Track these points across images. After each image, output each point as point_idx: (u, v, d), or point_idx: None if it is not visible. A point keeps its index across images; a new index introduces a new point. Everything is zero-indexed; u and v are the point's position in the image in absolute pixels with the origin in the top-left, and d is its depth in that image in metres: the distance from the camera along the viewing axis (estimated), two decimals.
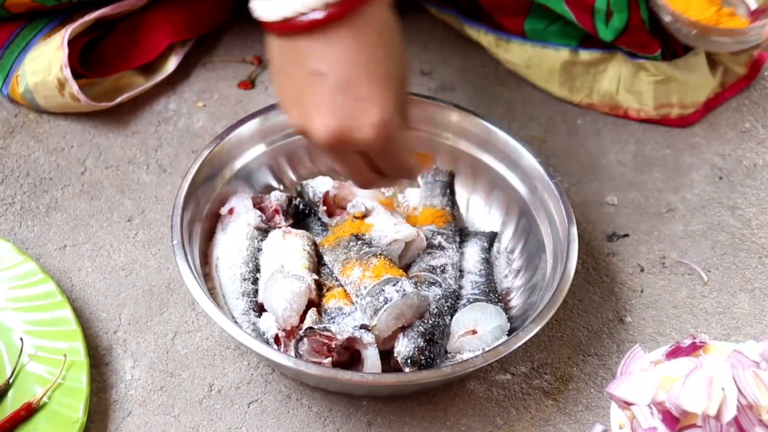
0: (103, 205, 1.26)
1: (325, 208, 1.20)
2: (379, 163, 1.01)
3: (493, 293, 1.16)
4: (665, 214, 1.29)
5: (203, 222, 1.17)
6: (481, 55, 1.44)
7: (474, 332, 1.12)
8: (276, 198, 1.20)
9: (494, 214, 1.25)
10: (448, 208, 1.22)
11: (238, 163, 1.22)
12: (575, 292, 1.21)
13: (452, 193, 1.24)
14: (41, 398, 1.06)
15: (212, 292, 1.13)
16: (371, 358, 1.07)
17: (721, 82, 1.40)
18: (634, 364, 1.05)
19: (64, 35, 1.28)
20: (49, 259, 1.21)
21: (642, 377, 1.03)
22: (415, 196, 1.26)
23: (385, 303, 1.07)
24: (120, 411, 1.09)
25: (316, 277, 1.13)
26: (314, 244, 1.17)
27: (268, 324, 1.11)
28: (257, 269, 1.16)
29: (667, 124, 1.38)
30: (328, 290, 1.14)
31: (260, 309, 1.13)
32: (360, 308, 1.10)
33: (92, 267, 1.20)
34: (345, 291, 1.12)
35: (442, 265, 1.16)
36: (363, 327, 1.07)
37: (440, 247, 1.18)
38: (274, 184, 1.25)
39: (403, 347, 1.08)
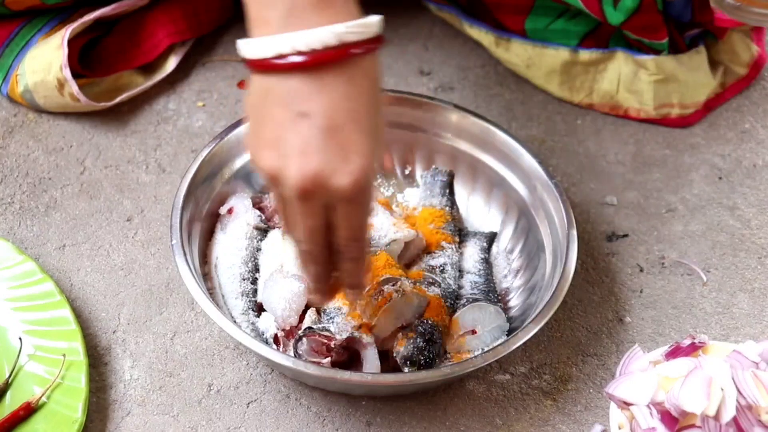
0: (103, 205, 1.26)
1: None
2: (342, 217, 0.95)
3: (492, 293, 1.16)
4: (665, 215, 1.29)
5: (202, 222, 1.17)
6: (481, 55, 1.44)
7: (473, 332, 1.12)
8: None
9: (493, 214, 1.25)
10: (447, 208, 1.22)
11: (238, 163, 1.22)
12: (574, 293, 1.21)
13: (451, 193, 1.24)
14: (40, 398, 1.06)
15: (211, 291, 1.13)
16: (370, 358, 1.07)
17: (722, 82, 1.40)
18: (634, 365, 1.05)
19: (63, 35, 1.28)
20: (48, 258, 1.21)
21: (641, 377, 1.03)
22: (415, 195, 1.26)
23: (385, 303, 1.07)
24: (119, 411, 1.09)
25: None
26: None
27: (267, 324, 1.11)
28: (256, 269, 1.16)
29: (667, 124, 1.38)
30: None
31: (259, 309, 1.13)
32: (359, 308, 1.10)
33: (91, 266, 1.20)
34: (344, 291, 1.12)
35: (441, 265, 1.16)
36: (362, 326, 1.08)
37: (440, 247, 1.18)
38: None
39: (403, 347, 1.08)
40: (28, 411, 1.05)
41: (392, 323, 1.09)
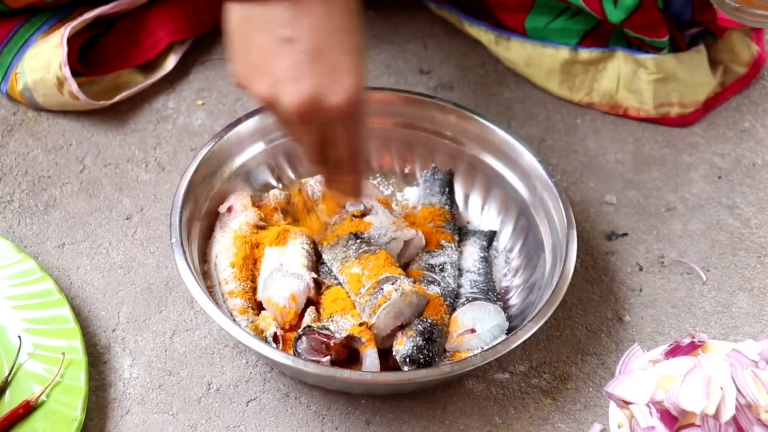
0: (102, 203, 1.26)
1: (324, 206, 1.20)
2: (341, 138, 1.00)
3: (491, 292, 1.16)
4: (664, 214, 1.29)
5: (202, 220, 1.17)
6: (481, 54, 1.44)
7: (473, 331, 1.12)
8: (275, 196, 1.20)
9: (493, 212, 1.25)
10: (446, 207, 1.22)
11: (237, 162, 1.22)
12: (574, 291, 1.21)
13: (451, 192, 1.24)
14: (39, 396, 1.06)
15: (211, 290, 1.13)
16: (370, 356, 1.07)
17: (721, 82, 1.40)
18: (633, 363, 1.05)
19: (63, 33, 1.28)
20: (48, 257, 1.21)
21: (641, 376, 1.03)
22: (414, 194, 1.26)
23: (384, 301, 1.07)
24: (118, 409, 1.09)
25: (314, 275, 1.13)
26: (313, 242, 1.17)
27: (267, 322, 1.11)
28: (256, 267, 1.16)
29: (667, 123, 1.38)
30: (326, 289, 1.14)
31: (259, 307, 1.13)
32: (359, 306, 1.10)
33: (91, 265, 1.20)
34: (344, 290, 1.12)
35: (440, 264, 1.16)
36: (362, 325, 1.08)
37: (439, 246, 1.18)
38: (273, 182, 1.25)
39: (402, 346, 1.08)
40: (28, 409, 1.05)
41: (392, 322, 1.09)
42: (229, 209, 1.19)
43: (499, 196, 1.24)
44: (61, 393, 1.06)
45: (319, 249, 1.17)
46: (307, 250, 1.15)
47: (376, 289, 1.08)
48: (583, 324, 1.19)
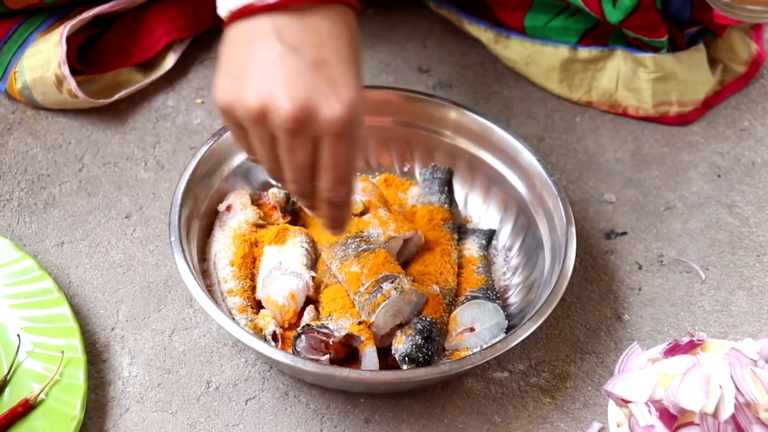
0: (101, 202, 1.26)
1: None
2: (330, 155, 0.95)
3: (491, 291, 1.16)
4: (663, 212, 1.29)
5: (201, 219, 1.17)
6: (480, 53, 1.44)
7: (472, 330, 1.12)
8: (274, 195, 1.20)
9: (492, 211, 1.25)
10: (446, 206, 1.22)
11: (237, 160, 1.22)
12: (573, 290, 1.21)
13: (450, 191, 1.24)
14: (38, 395, 1.06)
15: (210, 289, 1.13)
16: (369, 355, 1.07)
17: (720, 80, 1.40)
18: (632, 362, 1.05)
19: (62, 32, 1.28)
20: (47, 255, 1.21)
21: (640, 375, 1.03)
22: (414, 193, 1.26)
23: (383, 300, 1.07)
24: (117, 408, 1.09)
25: (314, 274, 1.13)
26: (312, 241, 1.17)
27: (266, 321, 1.11)
28: (255, 266, 1.16)
29: (666, 122, 1.38)
30: (325, 287, 1.14)
31: (258, 306, 1.13)
32: (358, 305, 1.10)
33: (90, 264, 1.20)
34: (343, 288, 1.12)
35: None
36: (361, 324, 1.08)
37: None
38: (272, 181, 1.25)
39: (401, 344, 1.08)
40: (27, 408, 1.05)
41: (391, 320, 1.09)
42: (229, 208, 1.19)
43: (499, 194, 1.24)
44: (60, 391, 1.06)
45: (318, 248, 1.17)
46: (306, 249, 1.15)
47: (375, 288, 1.08)
48: (583, 323, 1.19)
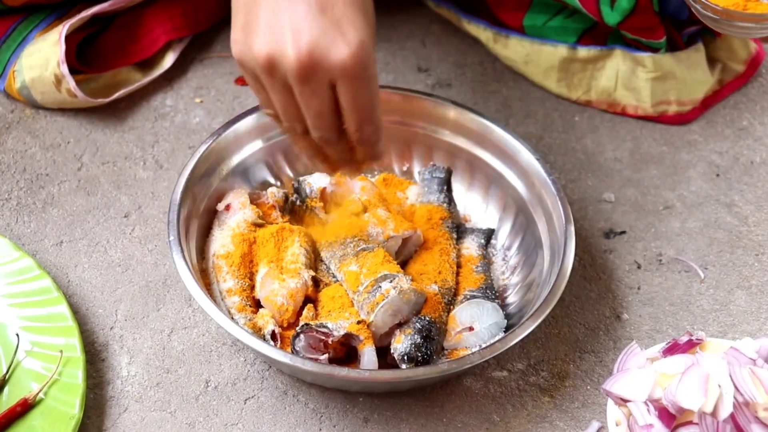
0: (100, 201, 1.26)
1: (322, 204, 1.20)
2: (348, 98, 0.96)
3: (489, 290, 1.16)
4: (662, 212, 1.29)
5: (200, 218, 1.17)
6: (479, 52, 1.44)
7: (471, 329, 1.12)
8: (273, 194, 1.20)
9: (491, 210, 1.25)
10: (445, 205, 1.22)
11: (235, 159, 1.22)
12: (572, 289, 1.21)
13: (449, 190, 1.24)
14: (37, 394, 1.06)
15: (209, 288, 1.13)
16: (368, 354, 1.07)
17: (719, 80, 1.40)
18: (631, 361, 1.05)
19: (61, 31, 1.28)
20: (46, 255, 1.21)
21: (639, 374, 1.03)
22: (413, 192, 1.26)
23: (382, 299, 1.07)
24: (116, 407, 1.09)
25: (313, 273, 1.13)
26: (311, 240, 1.17)
27: (265, 320, 1.11)
28: (253, 265, 1.16)
29: (665, 121, 1.38)
30: (325, 286, 1.14)
31: (257, 305, 1.13)
32: (357, 304, 1.10)
33: (89, 263, 1.20)
34: (342, 287, 1.12)
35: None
36: (360, 323, 1.08)
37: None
38: (271, 180, 1.25)
39: (400, 344, 1.08)
40: (26, 407, 1.05)
41: (390, 320, 1.09)
42: (227, 207, 1.19)
43: (498, 193, 1.24)
44: (59, 391, 1.06)
45: (317, 247, 1.17)
46: (305, 248, 1.15)
47: (374, 287, 1.08)
48: (581, 322, 1.19)
